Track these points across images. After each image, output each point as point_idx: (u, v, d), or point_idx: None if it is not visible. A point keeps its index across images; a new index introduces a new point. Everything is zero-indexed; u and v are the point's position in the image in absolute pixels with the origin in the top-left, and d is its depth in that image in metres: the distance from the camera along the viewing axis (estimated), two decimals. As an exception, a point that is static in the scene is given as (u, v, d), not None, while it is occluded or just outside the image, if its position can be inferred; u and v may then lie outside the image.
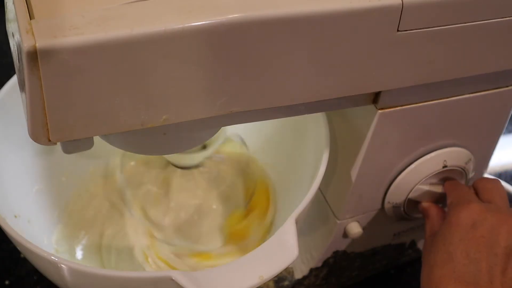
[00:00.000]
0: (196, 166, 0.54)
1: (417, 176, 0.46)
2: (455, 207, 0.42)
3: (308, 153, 0.48)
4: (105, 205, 0.56)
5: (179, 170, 0.54)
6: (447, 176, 0.48)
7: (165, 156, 0.51)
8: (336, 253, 0.52)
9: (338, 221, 0.49)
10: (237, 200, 0.56)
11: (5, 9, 0.33)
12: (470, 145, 0.48)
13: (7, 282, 0.55)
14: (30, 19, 0.28)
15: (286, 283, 0.54)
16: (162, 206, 0.54)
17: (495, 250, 0.39)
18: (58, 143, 0.31)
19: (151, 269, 0.52)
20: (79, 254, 0.53)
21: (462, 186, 0.47)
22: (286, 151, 0.55)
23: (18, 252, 0.55)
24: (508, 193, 0.63)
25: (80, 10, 0.29)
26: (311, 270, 0.53)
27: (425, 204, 0.47)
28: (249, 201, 0.56)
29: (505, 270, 0.38)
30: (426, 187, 0.47)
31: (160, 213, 0.54)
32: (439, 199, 0.48)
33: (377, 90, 0.38)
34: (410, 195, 0.48)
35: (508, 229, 0.40)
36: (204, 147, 0.51)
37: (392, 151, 0.44)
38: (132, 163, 0.56)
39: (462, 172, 0.48)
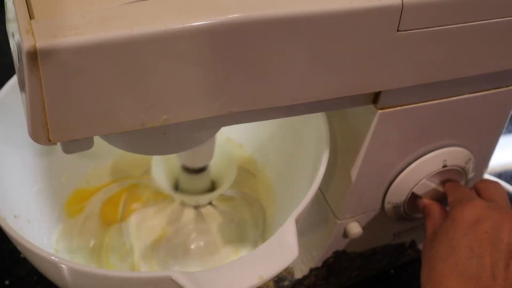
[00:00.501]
0: (207, 205, 0.53)
1: (417, 176, 0.46)
2: (459, 204, 0.43)
3: (308, 153, 0.48)
4: (107, 206, 0.57)
5: (186, 208, 0.54)
6: (447, 176, 0.48)
7: (178, 195, 0.50)
8: (336, 253, 0.52)
9: (338, 221, 0.49)
10: (248, 237, 0.55)
11: (5, 9, 0.33)
12: (470, 145, 0.48)
13: (7, 282, 0.55)
14: (30, 19, 0.28)
15: (286, 283, 0.54)
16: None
17: (499, 246, 0.39)
18: (58, 143, 0.31)
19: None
20: (78, 253, 0.53)
21: (463, 186, 0.47)
22: (286, 151, 0.55)
23: (18, 252, 0.55)
24: (508, 193, 0.63)
25: (80, 10, 0.29)
26: (311, 270, 0.53)
27: (426, 201, 0.47)
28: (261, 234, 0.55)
29: (508, 266, 0.39)
30: (427, 187, 0.47)
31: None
32: (439, 200, 0.48)
33: (377, 90, 0.38)
34: (412, 193, 0.47)
35: (511, 227, 0.40)
36: (213, 188, 0.51)
37: (392, 151, 0.44)
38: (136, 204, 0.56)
39: (462, 172, 0.48)
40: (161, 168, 0.49)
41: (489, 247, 0.39)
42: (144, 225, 0.55)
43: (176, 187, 0.50)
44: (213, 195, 0.50)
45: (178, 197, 0.50)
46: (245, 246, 0.54)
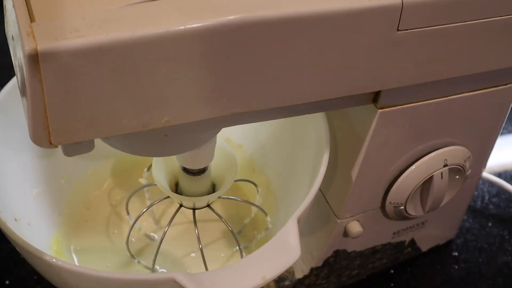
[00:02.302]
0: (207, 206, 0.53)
1: (419, 175, 0.46)
2: None
3: (308, 153, 0.48)
4: (106, 208, 0.57)
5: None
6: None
7: (178, 197, 0.50)
8: (336, 252, 0.52)
9: (338, 221, 0.49)
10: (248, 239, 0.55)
11: (4, 12, 0.32)
12: (469, 143, 0.48)
13: (7, 282, 0.55)
14: (31, 21, 0.28)
15: (287, 282, 0.54)
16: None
17: None
18: (59, 146, 0.31)
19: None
20: (79, 256, 0.53)
21: None
22: (286, 151, 0.55)
23: (18, 252, 0.55)
24: (508, 193, 0.63)
25: (81, 13, 0.29)
26: (312, 270, 0.53)
27: None
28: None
29: None
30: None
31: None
32: (440, 197, 0.48)
33: (377, 89, 0.38)
34: (413, 192, 0.47)
35: None
36: (213, 189, 0.50)
37: (392, 151, 0.44)
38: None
39: (461, 170, 0.48)
40: (161, 169, 0.49)
41: None
42: (145, 226, 0.55)
43: (177, 189, 0.50)
44: (213, 197, 0.50)
45: (177, 198, 0.50)
46: (246, 247, 0.54)
